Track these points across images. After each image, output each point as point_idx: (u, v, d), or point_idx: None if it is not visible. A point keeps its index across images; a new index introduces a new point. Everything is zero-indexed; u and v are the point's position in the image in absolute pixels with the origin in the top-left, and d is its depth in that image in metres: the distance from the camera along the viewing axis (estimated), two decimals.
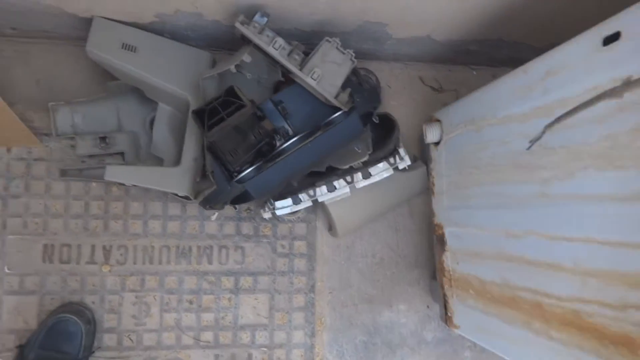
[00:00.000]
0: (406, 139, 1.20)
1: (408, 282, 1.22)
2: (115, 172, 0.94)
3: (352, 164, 0.97)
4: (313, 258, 1.19)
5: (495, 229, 0.81)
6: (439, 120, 1.05)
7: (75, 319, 1.01)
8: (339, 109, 0.94)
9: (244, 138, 0.91)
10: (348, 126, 0.89)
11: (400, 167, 0.99)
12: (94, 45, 0.97)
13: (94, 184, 1.11)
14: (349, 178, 0.98)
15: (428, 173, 1.15)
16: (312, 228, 1.20)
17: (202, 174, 1.08)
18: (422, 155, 1.21)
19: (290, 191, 1.00)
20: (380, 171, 0.98)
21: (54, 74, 1.15)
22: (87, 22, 0.98)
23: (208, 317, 1.13)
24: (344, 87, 0.96)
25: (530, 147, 0.71)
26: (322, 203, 1.04)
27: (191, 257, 1.14)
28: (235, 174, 0.95)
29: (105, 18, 0.98)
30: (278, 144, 0.97)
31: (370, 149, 0.97)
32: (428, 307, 1.22)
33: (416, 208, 1.24)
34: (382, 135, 1.05)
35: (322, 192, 0.99)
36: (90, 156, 1.11)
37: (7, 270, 1.08)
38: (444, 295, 1.05)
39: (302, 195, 0.99)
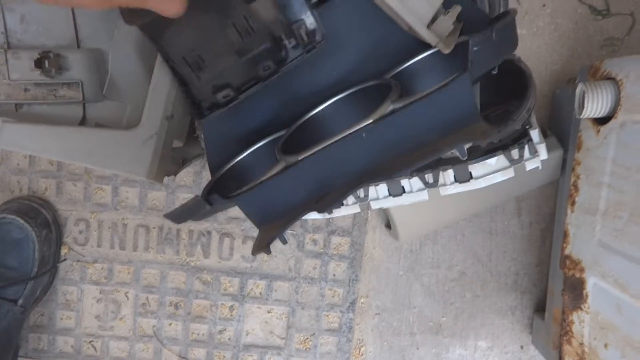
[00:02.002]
0: None
1: (497, 311, 0.81)
2: (14, 135, 0.55)
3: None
4: (357, 263, 0.80)
5: None
6: (613, 79, 0.56)
7: (21, 221, 0.71)
8: (427, 47, 0.49)
9: (213, 32, 0.46)
10: (450, 97, 0.43)
11: (530, 166, 0.54)
12: None
13: None
14: (429, 176, 0.55)
15: (565, 162, 0.69)
16: (360, 220, 0.79)
17: (192, 131, 0.68)
18: (553, 128, 0.73)
19: None
20: (491, 172, 0.53)
21: None
22: None
23: (200, 329, 0.80)
24: (447, 4, 0.49)
25: None
26: None
27: (179, 245, 0.78)
28: (203, 111, 0.52)
29: None
30: (291, 53, 0.50)
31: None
32: (522, 348, 0.82)
33: (528, 204, 0.79)
34: (498, 97, 0.58)
35: (379, 194, 0.57)
36: (37, 84, 0.72)
37: None
38: None
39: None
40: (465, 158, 0.43)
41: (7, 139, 0.54)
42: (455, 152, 0.54)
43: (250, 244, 0.78)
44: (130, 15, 0.41)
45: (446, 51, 0.48)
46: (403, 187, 0.56)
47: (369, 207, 0.58)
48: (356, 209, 0.59)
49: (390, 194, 0.56)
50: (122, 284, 0.78)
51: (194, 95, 0.51)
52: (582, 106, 0.57)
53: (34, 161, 0.76)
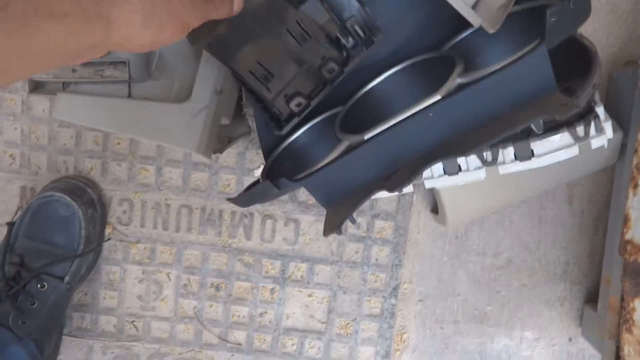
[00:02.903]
0: None
1: (545, 301, 0.79)
2: (69, 105, 0.55)
3: None
4: (401, 248, 0.78)
5: None
6: None
7: (68, 199, 0.71)
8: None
9: (272, 43, 0.47)
10: (525, 69, 0.41)
11: (596, 144, 0.51)
12: None
13: None
14: (488, 154, 0.53)
15: (625, 147, 0.66)
16: (405, 203, 0.77)
17: (239, 109, 0.67)
18: (610, 111, 0.70)
19: None
20: (554, 149, 0.51)
21: None
22: None
23: (240, 312, 0.79)
24: None
25: None
26: None
27: (222, 227, 0.78)
28: (283, 123, 0.52)
29: None
30: (351, 52, 0.49)
31: None
32: (570, 340, 0.79)
33: (580, 191, 0.76)
34: (559, 75, 0.56)
35: (433, 173, 0.55)
36: (84, 64, 0.73)
37: None
38: None
39: None
40: (541, 132, 0.41)
41: (63, 109, 0.54)
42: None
43: (292, 227, 0.78)
44: (194, 37, 0.42)
45: (491, 31, 0.46)
46: (459, 165, 0.54)
47: (421, 186, 0.57)
48: (409, 188, 0.57)
49: (445, 173, 0.55)
50: (164, 265, 0.78)
51: (271, 111, 0.52)
52: None
53: (80, 141, 0.76)
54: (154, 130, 0.54)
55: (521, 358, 0.80)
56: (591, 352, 0.78)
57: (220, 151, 0.66)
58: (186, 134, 0.54)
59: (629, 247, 0.59)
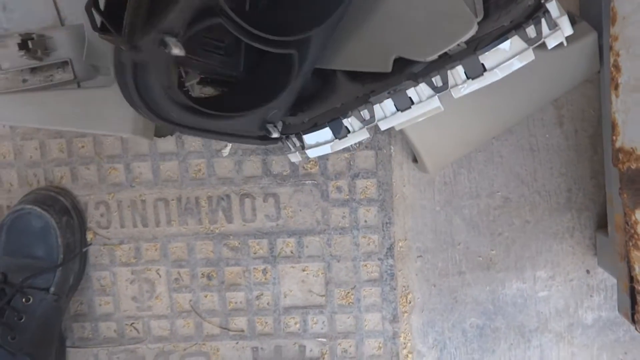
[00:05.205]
0: None
1: (553, 234, 0.73)
2: None
3: (444, 49, 0.45)
4: (388, 205, 0.74)
5: None
6: None
7: (39, 210, 0.70)
8: None
9: None
10: None
11: (552, 43, 0.46)
12: None
13: None
14: (437, 79, 0.48)
15: (601, 45, 0.59)
16: (383, 157, 0.73)
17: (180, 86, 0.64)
18: (583, 14, 0.64)
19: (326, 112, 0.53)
20: (506, 58, 0.45)
21: None
22: None
23: (236, 297, 0.77)
24: None
25: None
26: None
27: (201, 214, 0.75)
28: None
29: None
30: None
31: (480, 12, 0.45)
32: (588, 272, 0.74)
33: (569, 109, 0.70)
34: None
35: (385, 111, 0.51)
36: (32, 70, 0.71)
37: None
38: (635, 280, 0.56)
39: (349, 120, 0.52)
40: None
41: None
42: (460, 44, 0.47)
43: (271, 202, 0.74)
44: None
45: None
46: (410, 97, 0.49)
47: (377, 129, 0.52)
48: (364, 134, 0.53)
49: (397, 109, 0.50)
50: (151, 262, 0.77)
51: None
52: None
53: (45, 151, 0.75)
54: (86, 119, 0.52)
55: (538, 300, 0.75)
56: (612, 282, 0.72)
57: (171, 133, 0.63)
58: (119, 118, 0.51)
59: (620, 156, 0.54)
